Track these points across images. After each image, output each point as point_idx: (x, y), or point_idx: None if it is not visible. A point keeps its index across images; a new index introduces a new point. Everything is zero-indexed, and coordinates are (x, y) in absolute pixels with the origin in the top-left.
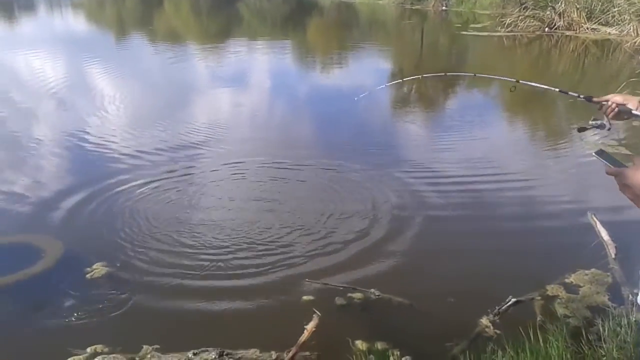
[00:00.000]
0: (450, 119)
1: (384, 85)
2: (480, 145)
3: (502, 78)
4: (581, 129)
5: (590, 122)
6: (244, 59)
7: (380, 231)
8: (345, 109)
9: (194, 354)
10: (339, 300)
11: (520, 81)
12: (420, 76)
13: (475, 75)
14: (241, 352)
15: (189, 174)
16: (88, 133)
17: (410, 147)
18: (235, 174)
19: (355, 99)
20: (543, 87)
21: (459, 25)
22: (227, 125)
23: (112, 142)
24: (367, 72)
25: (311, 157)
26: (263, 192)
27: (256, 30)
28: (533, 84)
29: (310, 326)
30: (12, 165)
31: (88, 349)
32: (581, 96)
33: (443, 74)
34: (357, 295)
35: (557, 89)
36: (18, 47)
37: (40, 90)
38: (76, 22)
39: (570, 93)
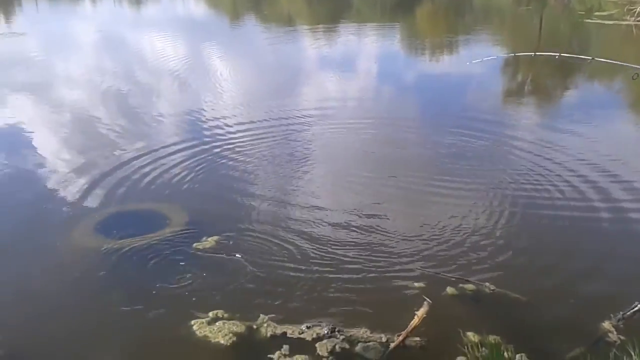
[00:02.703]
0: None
1: (495, 56)
2: (603, 137)
3: (623, 64)
4: None
5: None
6: (357, 40)
7: (500, 224)
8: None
9: (307, 327)
10: (451, 290)
11: None
12: (533, 53)
13: (593, 59)
14: (352, 331)
15: (307, 150)
16: (210, 109)
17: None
18: (353, 149)
19: (468, 63)
20: None
21: (582, 12)
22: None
23: (230, 116)
24: (477, 54)
25: (424, 132)
26: (382, 171)
27: (366, 16)
28: None
29: (420, 312)
30: (140, 137)
31: (210, 313)
32: None
33: (557, 55)
34: (469, 287)
35: None
36: (144, 28)
37: (161, 68)
38: (196, 7)
39: None
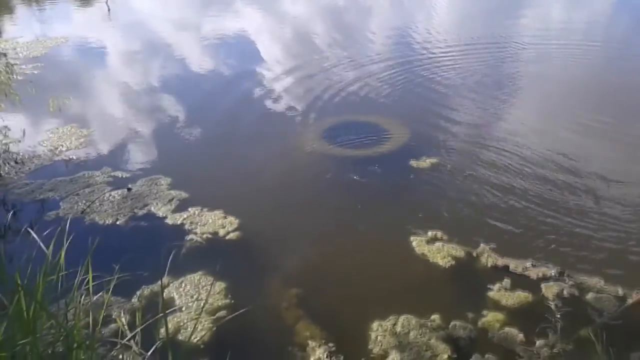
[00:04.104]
0: None
1: None
2: None
3: None
4: None
5: None
6: None
7: None
8: None
9: (532, 265)
10: None
11: None
12: None
13: None
14: (583, 278)
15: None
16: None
17: None
18: None
19: None
20: None
21: None
22: None
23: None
24: None
25: None
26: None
27: None
28: None
29: None
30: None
31: (429, 233)
32: None
33: None
34: None
35: None
36: None
37: None
38: None
39: None
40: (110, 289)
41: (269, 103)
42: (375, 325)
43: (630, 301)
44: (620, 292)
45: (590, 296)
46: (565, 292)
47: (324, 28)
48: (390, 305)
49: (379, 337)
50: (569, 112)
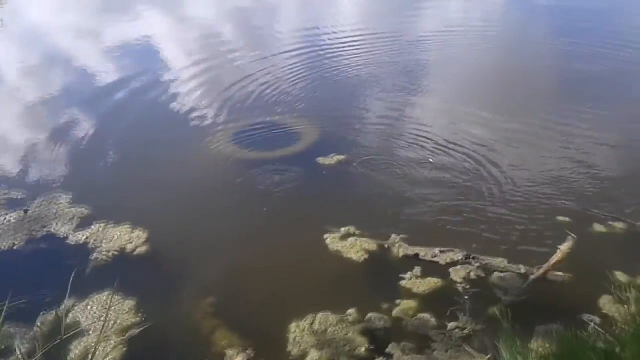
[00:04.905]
0: None
1: None
2: None
3: None
4: None
5: None
6: None
7: None
8: None
9: (441, 251)
10: (599, 228)
11: None
12: None
13: None
14: (488, 259)
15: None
16: None
17: None
18: None
19: None
20: None
21: None
22: None
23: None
24: None
25: None
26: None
27: None
28: None
29: (564, 247)
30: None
31: (342, 229)
32: None
33: None
34: (620, 225)
35: None
36: None
37: None
38: None
39: None
40: (2, 318)
41: (175, 109)
42: (293, 326)
43: (532, 277)
44: (523, 269)
45: (495, 276)
46: (472, 274)
47: (230, 30)
48: (308, 304)
49: (297, 338)
50: (468, 102)
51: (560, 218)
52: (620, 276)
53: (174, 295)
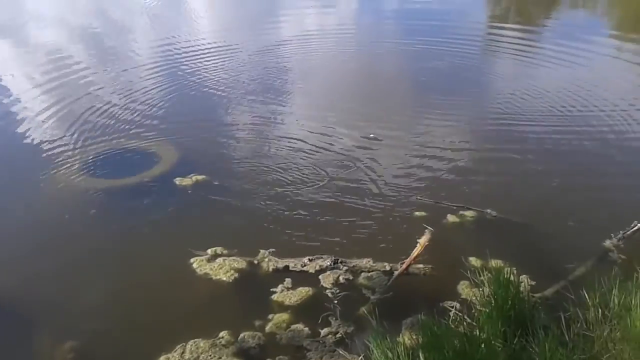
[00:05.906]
0: None
1: None
2: None
3: None
4: None
5: None
6: None
7: (496, 152)
8: None
9: (310, 260)
10: (452, 218)
11: None
12: None
13: None
14: (355, 261)
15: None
16: None
17: None
18: None
19: None
20: None
21: None
22: None
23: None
24: None
25: None
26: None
27: None
28: None
29: (423, 240)
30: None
31: (209, 251)
32: None
33: None
34: (470, 214)
35: None
36: None
37: None
38: None
39: None
40: None
41: (20, 139)
42: (162, 359)
43: (396, 273)
44: (388, 267)
45: (362, 277)
46: (341, 278)
47: (81, 50)
48: (177, 334)
49: None
50: (329, 107)
51: (417, 213)
52: (475, 261)
53: (27, 345)
